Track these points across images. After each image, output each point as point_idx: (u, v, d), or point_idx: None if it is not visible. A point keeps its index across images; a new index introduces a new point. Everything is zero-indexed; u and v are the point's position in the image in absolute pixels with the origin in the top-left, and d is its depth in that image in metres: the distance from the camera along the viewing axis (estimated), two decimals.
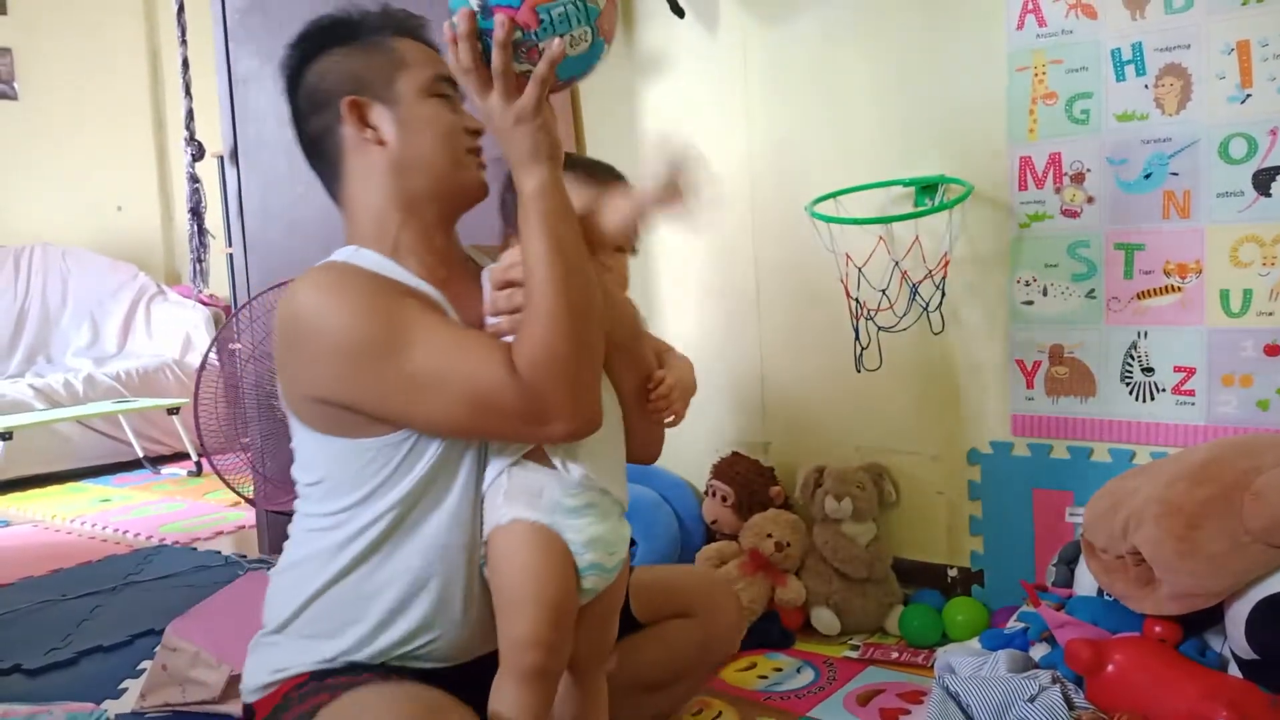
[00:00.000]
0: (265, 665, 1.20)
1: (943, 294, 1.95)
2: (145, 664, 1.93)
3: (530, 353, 1.08)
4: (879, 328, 2.01)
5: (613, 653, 1.29)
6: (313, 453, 1.19)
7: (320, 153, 1.29)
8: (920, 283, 1.95)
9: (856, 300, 2.01)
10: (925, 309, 1.96)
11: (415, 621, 1.17)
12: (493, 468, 1.19)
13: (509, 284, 1.16)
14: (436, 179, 1.24)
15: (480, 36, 1.08)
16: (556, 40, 1.06)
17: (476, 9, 1.06)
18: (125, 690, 1.86)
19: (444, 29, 1.11)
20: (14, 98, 4.81)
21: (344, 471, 1.16)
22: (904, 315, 1.97)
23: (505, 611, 1.15)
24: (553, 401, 1.09)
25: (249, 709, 1.22)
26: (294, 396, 1.18)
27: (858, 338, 2.02)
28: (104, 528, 3.19)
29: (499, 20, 1.05)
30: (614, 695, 1.30)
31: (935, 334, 1.99)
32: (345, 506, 1.16)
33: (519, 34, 1.06)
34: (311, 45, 1.28)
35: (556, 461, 1.18)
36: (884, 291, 1.99)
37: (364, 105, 1.23)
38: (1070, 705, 1.44)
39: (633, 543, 1.41)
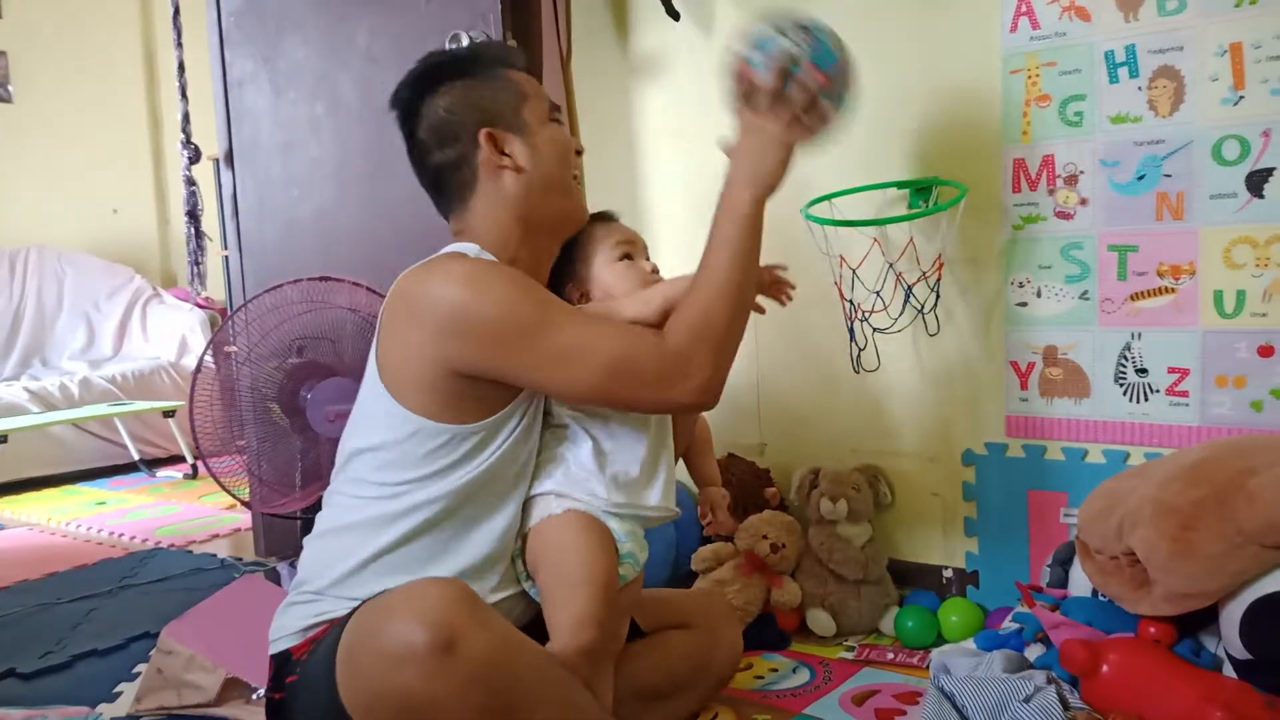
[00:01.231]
0: (305, 614, 1.26)
1: (937, 295, 1.95)
2: (141, 667, 1.93)
3: (689, 316, 1.25)
4: (874, 329, 2.01)
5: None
6: (386, 425, 1.27)
7: (447, 180, 1.38)
8: (915, 285, 1.95)
9: (851, 302, 2.01)
10: (920, 310, 1.96)
11: None
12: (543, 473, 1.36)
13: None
14: (557, 197, 1.39)
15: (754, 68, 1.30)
16: (831, 109, 1.34)
17: (793, 57, 1.29)
18: (120, 694, 1.86)
19: (746, 52, 1.31)
20: (9, 100, 4.81)
21: (415, 448, 1.26)
22: (899, 317, 1.97)
23: (559, 593, 1.27)
24: (695, 361, 1.24)
25: (283, 655, 1.26)
26: (407, 371, 1.26)
27: (853, 339, 2.03)
28: (99, 531, 3.19)
29: (810, 74, 1.30)
30: (614, 705, 1.32)
31: (930, 335, 1.99)
32: (405, 480, 1.26)
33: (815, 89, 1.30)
34: (428, 82, 1.38)
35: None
36: (878, 293, 1.99)
37: (498, 135, 1.35)
38: (1065, 706, 1.44)
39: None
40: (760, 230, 1.30)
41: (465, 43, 2.11)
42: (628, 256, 1.47)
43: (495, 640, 1.11)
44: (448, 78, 1.37)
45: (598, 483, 1.34)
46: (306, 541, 1.34)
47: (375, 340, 1.33)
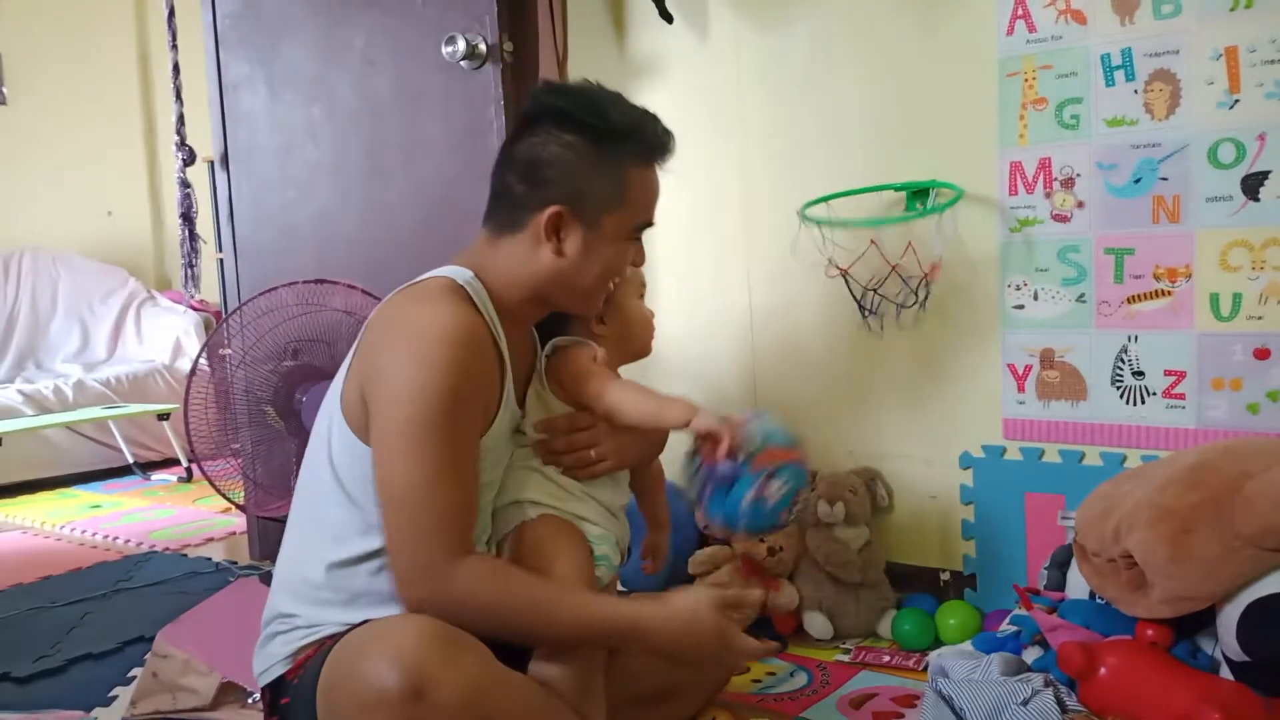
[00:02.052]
0: (290, 639, 1.25)
1: (934, 298, 1.95)
2: (135, 671, 1.92)
3: (487, 594, 1.19)
4: (870, 330, 2.01)
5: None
6: (339, 448, 1.26)
7: (502, 205, 1.34)
8: (915, 286, 1.95)
9: (860, 304, 2.01)
10: (919, 312, 1.96)
11: None
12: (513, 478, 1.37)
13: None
14: (577, 299, 1.37)
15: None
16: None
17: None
18: (115, 698, 1.85)
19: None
20: (3, 102, 4.79)
21: (363, 472, 1.23)
22: (897, 318, 1.97)
23: None
24: (439, 604, 1.17)
25: (276, 681, 1.25)
26: (357, 390, 1.24)
27: (866, 317, 2.02)
28: (94, 534, 3.17)
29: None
30: (610, 709, 1.32)
31: (929, 338, 1.99)
32: (366, 499, 1.24)
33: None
34: (565, 119, 1.30)
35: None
36: (877, 292, 1.99)
37: (566, 220, 1.29)
38: (1063, 708, 1.44)
39: (629, 551, 1.54)
40: (599, 639, 1.28)
41: (462, 46, 2.10)
42: (641, 297, 1.53)
43: (467, 683, 1.10)
44: (580, 131, 1.29)
45: (570, 485, 1.38)
46: (279, 564, 1.34)
47: (352, 353, 1.30)
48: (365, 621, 1.20)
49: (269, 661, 1.27)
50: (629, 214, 1.33)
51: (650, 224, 1.38)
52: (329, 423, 1.29)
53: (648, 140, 1.33)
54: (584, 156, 1.29)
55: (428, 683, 1.07)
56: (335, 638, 1.21)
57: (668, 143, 1.34)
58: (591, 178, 1.29)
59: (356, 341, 1.31)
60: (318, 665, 1.19)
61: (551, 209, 1.28)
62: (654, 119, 1.34)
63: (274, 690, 1.26)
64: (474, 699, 1.10)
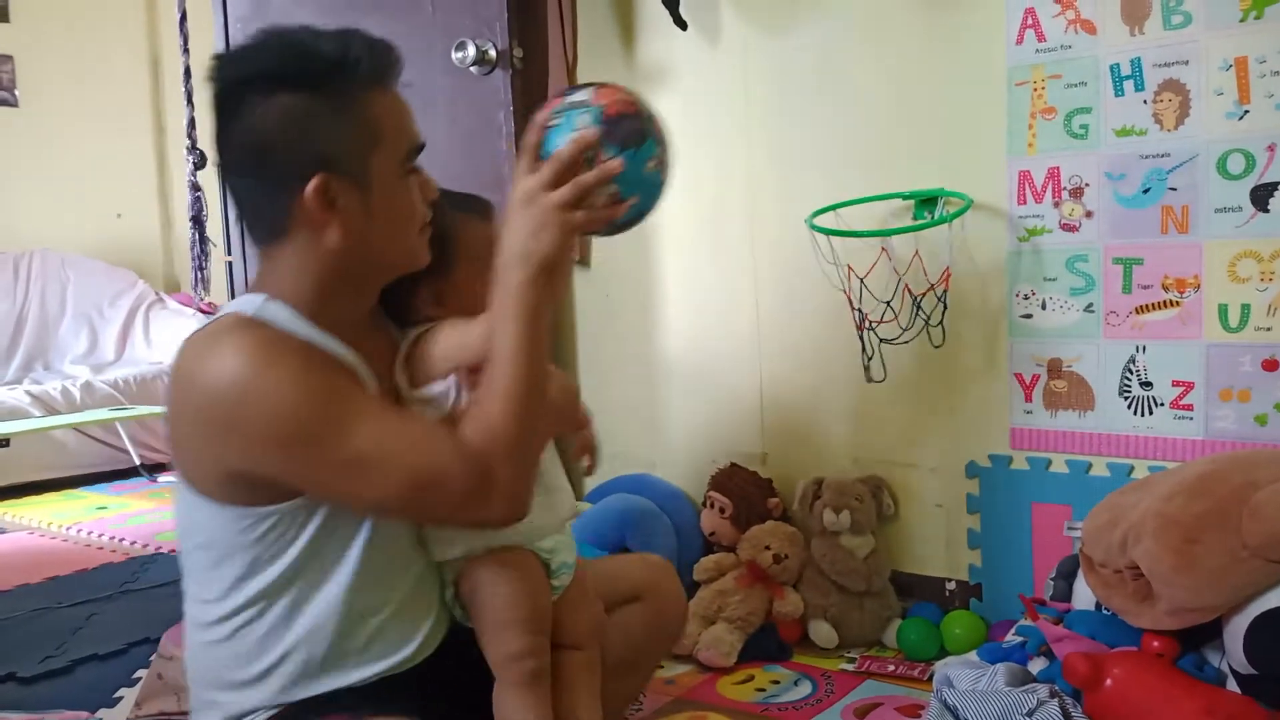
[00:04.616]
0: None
1: (945, 307, 1.95)
2: (141, 672, 1.92)
3: (486, 429, 1.06)
4: (880, 339, 2.01)
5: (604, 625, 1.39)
6: (203, 519, 1.11)
7: (251, 213, 1.14)
8: (923, 296, 1.95)
9: (860, 311, 2.01)
10: (927, 323, 1.96)
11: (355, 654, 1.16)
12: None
13: (474, 370, 1.14)
14: (394, 260, 1.16)
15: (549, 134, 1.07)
16: (626, 204, 1.07)
17: (596, 136, 1.05)
18: (120, 699, 1.85)
19: (551, 119, 1.07)
20: (15, 104, 4.81)
21: (239, 538, 1.09)
22: (907, 329, 1.97)
23: (494, 632, 1.24)
24: (500, 479, 1.06)
25: None
26: (198, 467, 1.10)
27: (864, 349, 2.02)
28: (100, 535, 3.18)
29: (585, 138, 1.05)
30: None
31: (936, 347, 1.98)
32: (238, 577, 1.11)
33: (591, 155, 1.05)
34: (266, 81, 1.08)
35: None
36: (889, 304, 1.99)
37: (332, 186, 1.07)
38: (1068, 719, 1.43)
39: None
40: (538, 314, 1.07)
41: (472, 51, 2.11)
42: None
43: None
44: (290, 86, 1.07)
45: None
46: (186, 658, 1.22)
47: (168, 419, 1.15)
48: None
49: None
50: (392, 145, 1.12)
51: (419, 147, 1.16)
52: (183, 499, 1.15)
53: (369, 60, 1.10)
54: (310, 111, 1.07)
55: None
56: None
57: (388, 57, 1.12)
58: (331, 128, 1.07)
59: (167, 405, 1.14)
60: None
61: (311, 183, 1.06)
62: (360, 36, 1.10)
63: None
64: None
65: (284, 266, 1.13)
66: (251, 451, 1.04)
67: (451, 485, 1.05)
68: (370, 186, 1.10)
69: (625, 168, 1.06)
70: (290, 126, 1.07)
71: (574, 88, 1.10)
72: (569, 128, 1.06)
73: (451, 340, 1.19)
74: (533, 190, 1.06)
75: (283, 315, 1.10)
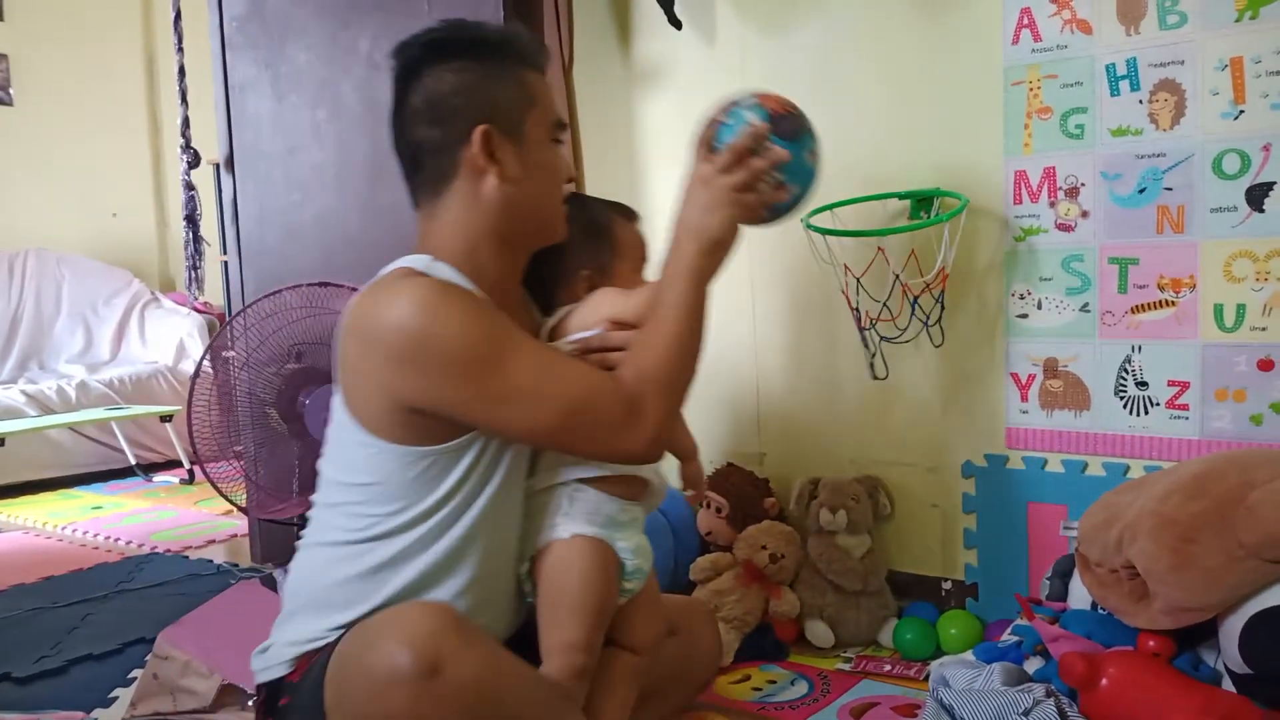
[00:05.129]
0: (298, 640, 1.24)
1: (942, 307, 1.95)
2: (136, 672, 1.92)
3: (646, 364, 1.20)
4: (881, 338, 2.00)
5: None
6: (364, 456, 1.22)
7: (424, 161, 1.28)
8: (919, 295, 1.95)
9: (857, 310, 2.01)
10: (925, 323, 1.95)
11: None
12: (542, 483, 1.32)
13: (620, 324, 1.29)
14: (537, 222, 1.31)
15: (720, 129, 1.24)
16: (790, 190, 1.25)
17: (765, 129, 1.23)
18: (116, 699, 1.85)
19: (722, 116, 1.24)
20: (10, 103, 4.81)
21: (396, 476, 1.21)
22: (905, 329, 1.97)
23: (557, 616, 1.27)
24: (649, 411, 1.19)
25: (275, 681, 1.25)
26: (368, 405, 1.21)
27: (867, 346, 2.01)
28: (95, 535, 3.18)
29: (757, 131, 1.22)
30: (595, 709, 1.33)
31: (936, 346, 1.98)
32: (392, 510, 1.22)
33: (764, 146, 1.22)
34: (443, 50, 1.27)
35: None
36: (885, 304, 1.99)
37: (494, 136, 1.24)
38: (1064, 719, 1.44)
39: None
40: (705, 279, 1.23)
41: None
42: (639, 270, 1.45)
43: (480, 664, 1.11)
44: (466, 54, 1.26)
45: (603, 499, 1.32)
46: (293, 569, 1.32)
47: (335, 366, 1.27)
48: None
49: (269, 662, 1.27)
50: (542, 112, 1.29)
51: (564, 124, 1.34)
52: (342, 436, 1.26)
53: (526, 45, 1.31)
54: (480, 73, 1.26)
55: (443, 660, 1.08)
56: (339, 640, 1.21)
57: (540, 46, 1.35)
58: (496, 86, 1.26)
59: (334, 360, 1.26)
60: (322, 664, 1.19)
61: (477, 130, 1.23)
62: (519, 26, 1.38)
63: (271, 690, 1.26)
64: (485, 681, 1.11)
65: (444, 222, 1.27)
66: (426, 383, 1.16)
67: (603, 413, 1.18)
68: (524, 142, 1.27)
69: (789, 157, 1.21)
70: (462, 85, 1.25)
71: (737, 95, 1.27)
72: (739, 122, 1.22)
73: (601, 308, 1.31)
74: (708, 175, 1.21)
75: (448, 272, 1.24)
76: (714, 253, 1.22)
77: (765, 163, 1.21)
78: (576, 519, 1.30)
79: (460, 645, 1.10)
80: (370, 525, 1.22)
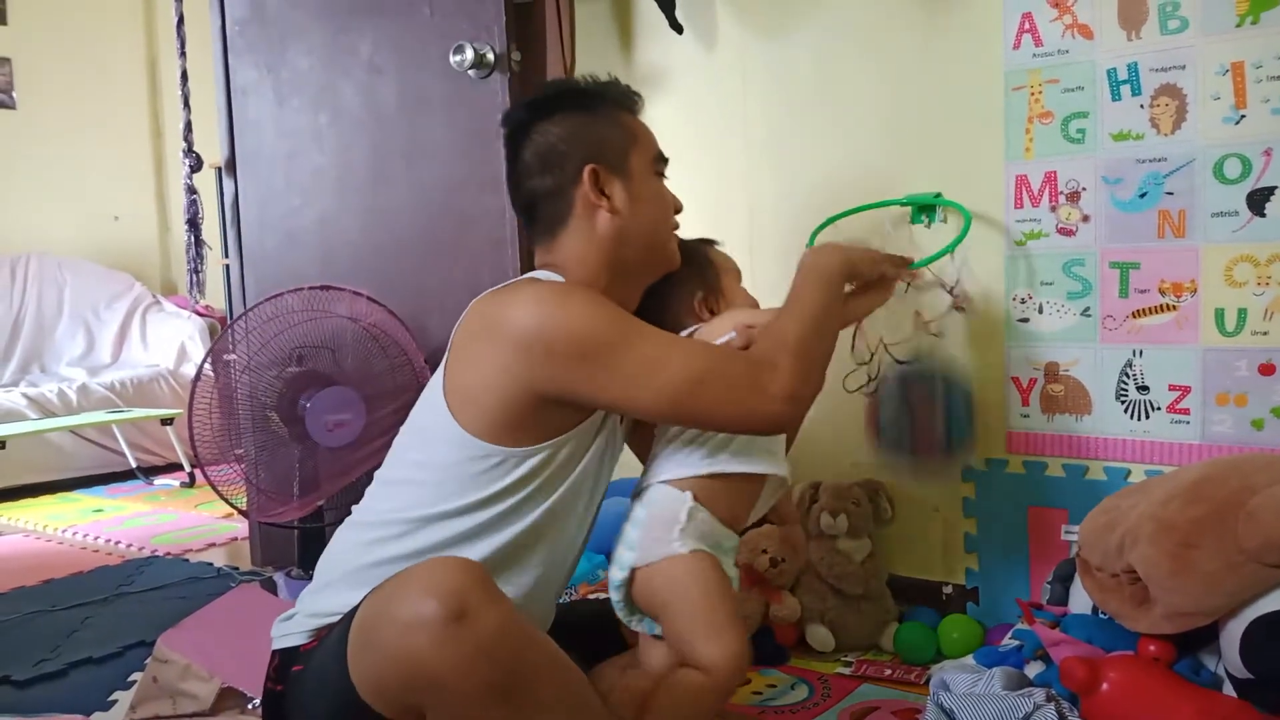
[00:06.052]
0: (320, 612, 1.28)
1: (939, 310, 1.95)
2: (136, 676, 1.92)
3: (777, 331, 1.30)
4: (883, 343, 1.99)
5: None
6: (445, 449, 1.30)
7: (540, 208, 1.40)
8: (931, 324, 1.94)
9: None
10: (925, 326, 1.95)
11: None
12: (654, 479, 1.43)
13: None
14: (650, 250, 1.42)
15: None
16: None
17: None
18: (115, 702, 1.85)
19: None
20: (12, 107, 4.81)
21: (464, 471, 1.29)
22: (907, 338, 1.96)
23: (701, 632, 1.32)
24: (783, 369, 1.26)
25: (290, 649, 1.27)
26: (477, 402, 1.29)
27: (868, 348, 2.00)
28: (96, 538, 3.18)
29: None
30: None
31: (932, 350, 1.98)
32: (461, 507, 1.29)
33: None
34: (546, 107, 1.41)
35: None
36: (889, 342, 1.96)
37: (602, 174, 1.37)
38: None
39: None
40: (835, 285, 1.38)
41: (470, 54, 2.11)
42: (738, 281, 1.59)
43: (505, 616, 1.13)
44: (566, 107, 1.40)
45: (715, 524, 1.41)
46: (334, 543, 1.37)
47: (445, 361, 1.36)
48: None
49: (290, 630, 1.29)
50: (644, 148, 1.43)
51: (666, 160, 1.47)
52: (422, 429, 1.36)
53: (621, 92, 1.45)
54: (582, 121, 1.39)
55: (469, 608, 1.10)
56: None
57: (634, 94, 1.48)
58: (599, 130, 1.39)
59: (447, 355, 1.36)
60: (341, 628, 1.20)
61: (586, 169, 1.36)
62: (614, 80, 1.47)
63: (285, 658, 1.27)
64: (509, 633, 1.13)
65: (564, 251, 1.39)
66: (554, 367, 1.25)
67: (733, 377, 1.26)
68: (630, 176, 1.40)
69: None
70: (567, 133, 1.39)
71: None
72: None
73: (734, 318, 1.42)
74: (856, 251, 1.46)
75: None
76: (835, 276, 1.38)
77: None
78: (691, 537, 1.36)
79: (486, 599, 1.12)
80: (430, 504, 1.29)
